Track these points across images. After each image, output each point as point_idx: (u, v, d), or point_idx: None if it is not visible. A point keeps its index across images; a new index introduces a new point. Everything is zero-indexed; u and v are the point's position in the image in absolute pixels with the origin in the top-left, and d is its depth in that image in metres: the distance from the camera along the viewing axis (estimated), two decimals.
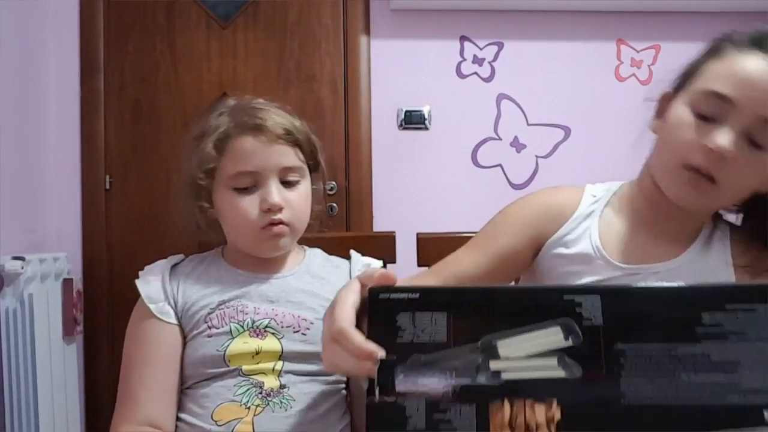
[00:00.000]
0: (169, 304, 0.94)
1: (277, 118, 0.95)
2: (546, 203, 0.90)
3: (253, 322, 0.92)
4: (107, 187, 2.29)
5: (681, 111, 0.78)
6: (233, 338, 0.91)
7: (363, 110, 2.36)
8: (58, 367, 1.94)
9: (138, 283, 0.97)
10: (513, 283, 0.95)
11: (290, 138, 0.95)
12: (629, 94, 2.43)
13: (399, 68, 2.37)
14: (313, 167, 1.02)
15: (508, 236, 0.89)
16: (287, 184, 0.96)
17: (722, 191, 0.75)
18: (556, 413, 0.51)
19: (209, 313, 0.93)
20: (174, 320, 0.94)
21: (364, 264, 1.05)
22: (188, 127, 2.34)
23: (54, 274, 1.96)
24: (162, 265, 1.00)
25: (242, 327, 0.92)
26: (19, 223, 1.98)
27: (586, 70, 2.41)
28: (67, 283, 2.02)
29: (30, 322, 1.80)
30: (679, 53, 2.64)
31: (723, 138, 0.72)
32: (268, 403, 0.89)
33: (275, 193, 0.93)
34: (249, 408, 0.88)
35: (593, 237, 0.84)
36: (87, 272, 2.25)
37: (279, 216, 0.93)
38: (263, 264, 0.99)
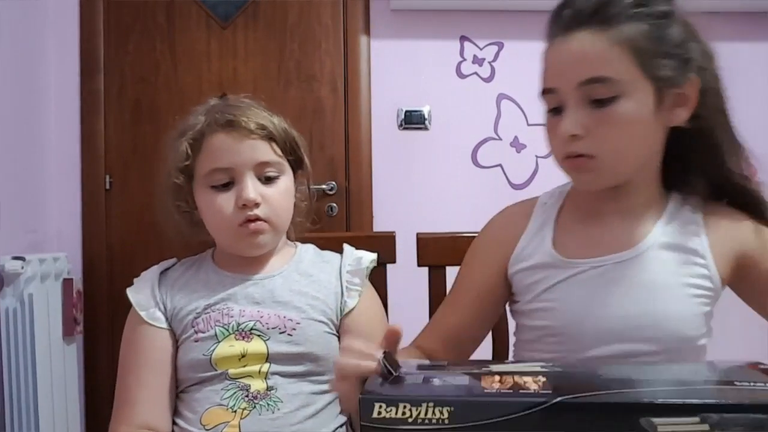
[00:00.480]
0: (159, 309, 0.95)
1: (250, 113, 0.94)
2: (494, 233, 0.95)
3: (239, 324, 0.92)
4: (107, 187, 2.29)
5: (546, 113, 0.83)
6: (219, 342, 0.91)
7: (363, 110, 2.36)
8: (58, 367, 1.94)
9: (129, 291, 0.97)
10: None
11: (264, 132, 0.94)
12: None
13: (399, 68, 2.37)
14: (296, 164, 1.01)
15: (477, 277, 0.93)
16: (266, 180, 0.95)
17: (603, 158, 0.77)
18: None
19: (196, 318, 0.93)
20: (164, 325, 0.94)
21: (356, 258, 1.04)
22: None
23: (54, 274, 1.96)
24: (152, 272, 1.00)
25: (227, 330, 0.92)
26: (19, 223, 1.98)
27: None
28: (67, 283, 2.02)
29: (30, 322, 1.80)
30: None
31: (565, 125, 0.76)
32: (255, 406, 0.88)
33: (250, 188, 0.92)
34: (236, 411, 0.88)
35: (547, 243, 0.87)
36: (87, 272, 2.25)
37: (255, 212, 0.92)
38: (250, 264, 0.98)
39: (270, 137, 0.95)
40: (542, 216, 0.91)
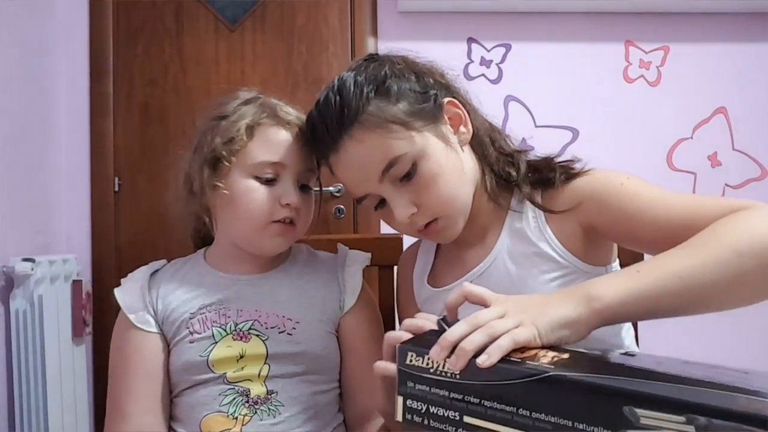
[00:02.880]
0: (149, 312, 0.93)
1: (303, 119, 0.94)
2: (400, 280, 1.04)
3: (236, 324, 0.91)
4: (116, 189, 2.30)
5: (374, 211, 0.90)
6: (216, 343, 0.89)
7: None
8: (67, 368, 1.95)
9: (117, 292, 0.95)
10: None
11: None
12: (638, 95, 2.43)
13: None
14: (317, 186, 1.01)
15: (410, 316, 0.97)
16: (302, 187, 0.94)
17: (445, 213, 0.83)
18: None
19: (190, 318, 0.91)
20: (154, 329, 0.92)
21: (352, 257, 1.04)
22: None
23: (63, 275, 1.97)
24: (141, 272, 0.99)
25: (225, 330, 0.90)
26: (28, 225, 1.99)
27: (594, 72, 2.40)
28: (77, 284, 2.03)
29: (40, 323, 1.81)
30: (688, 54, 2.64)
31: (398, 214, 0.83)
32: (256, 412, 0.87)
33: (295, 192, 0.92)
34: (237, 418, 0.87)
35: (424, 279, 0.96)
36: (96, 274, 2.26)
37: (292, 215, 0.92)
38: (247, 265, 0.97)
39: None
40: (423, 255, 1.00)
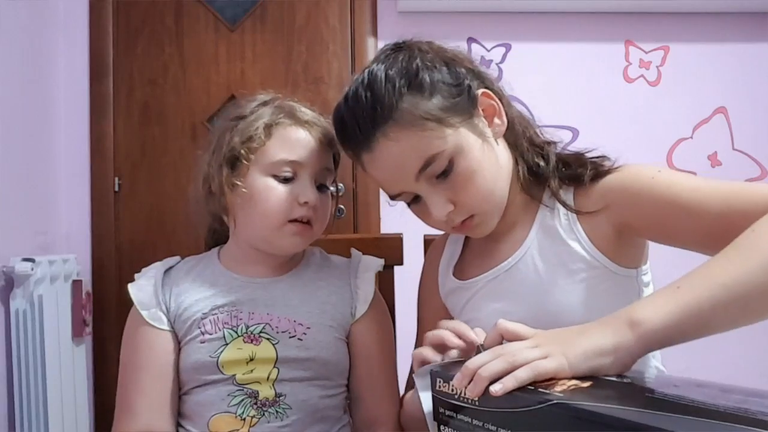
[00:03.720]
0: (161, 309, 0.93)
1: (324, 122, 0.95)
2: (426, 270, 1.03)
3: (247, 327, 0.91)
4: (116, 189, 2.30)
5: (408, 207, 0.90)
6: (227, 344, 0.89)
7: None
8: (67, 368, 1.95)
9: (130, 287, 0.95)
10: None
11: (332, 146, 0.96)
12: (638, 95, 2.43)
13: None
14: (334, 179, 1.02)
15: (434, 315, 0.96)
16: (319, 187, 0.94)
17: (481, 210, 0.82)
18: None
19: (202, 318, 0.91)
20: (166, 326, 0.92)
21: (365, 263, 1.03)
22: (197, 130, 2.36)
23: (63, 275, 1.97)
24: (156, 268, 0.98)
25: (236, 333, 0.90)
26: (29, 225, 1.99)
27: (594, 72, 2.41)
28: (77, 284, 2.03)
29: (40, 323, 1.81)
30: (688, 54, 2.63)
31: (436, 212, 0.81)
32: (264, 414, 0.88)
33: (313, 190, 0.92)
34: (245, 419, 0.87)
35: (451, 272, 0.95)
36: (96, 274, 2.27)
37: (310, 213, 0.92)
38: (260, 267, 0.97)
39: (334, 154, 0.97)
40: (451, 247, 0.98)
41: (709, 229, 0.68)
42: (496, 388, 0.55)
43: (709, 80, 2.45)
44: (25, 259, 1.79)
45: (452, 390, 0.60)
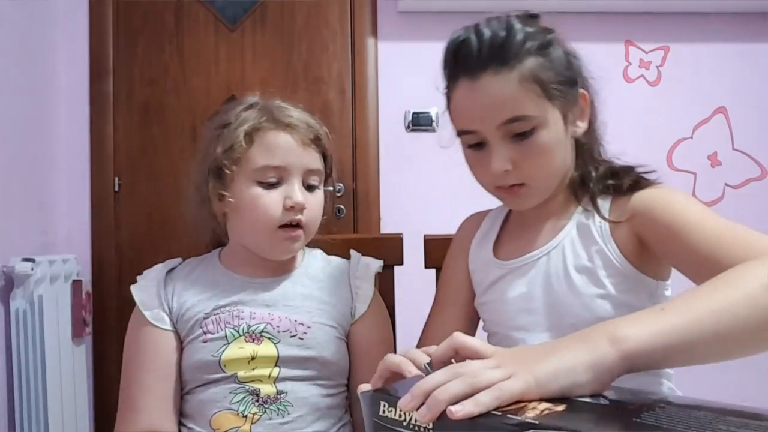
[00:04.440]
0: (164, 310, 0.94)
1: (309, 121, 0.95)
2: (457, 239, 1.05)
3: (249, 327, 0.91)
4: (116, 189, 2.30)
5: (466, 148, 0.90)
6: (228, 344, 0.90)
7: (370, 112, 2.36)
8: (67, 368, 1.95)
9: (133, 288, 0.96)
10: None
11: (318, 145, 0.96)
12: (638, 95, 2.43)
13: (406, 70, 2.37)
14: (327, 177, 1.02)
15: (456, 281, 1.01)
16: (308, 187, 0.95)
17: (533, 184, 0.85)
18: None
19: (204, 318, 0.92)
20: (169, 326, 0.93)
21: (364, 264, 1.04)
22: (197, 130, 2.36)
23: (63, 275, 1.97)
24: (157, 270, 0.99)
25: (238, 332, 0.91)
26: (29, 225, 1.99)
27: (594, 72, 2.40)
28: (77, 284, 2.03)
29: (40, 324, 1.81)
30: (688, 54, 2.63)
31: (495, 163, 0.82)
32: (265, 411, 0.88)
33: (300, 192, 0.92)
34: (246, 416, 0.88)
35: (487, 247, 0.97)
36: (96, 274, 2.27)
37: (299, 216, 0.92)
38: (260, 268, 0.98)
39: (321, 151, 0.97)
40: (489, 223, 1.01)
41: (698, 264, 0.70)
42: (456, 410, 0.49)
43: (709, 80, 2.45)
44: (25, 259, 1.79)
45: (399, 416, 0.52)
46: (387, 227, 2.32)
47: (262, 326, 0.92)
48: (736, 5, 2.39)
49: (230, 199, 0.93)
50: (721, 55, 2.45)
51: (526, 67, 0.80)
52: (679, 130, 2.44)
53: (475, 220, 1.05)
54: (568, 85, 0.85)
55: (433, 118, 2.37)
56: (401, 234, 1.17)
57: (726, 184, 2.44)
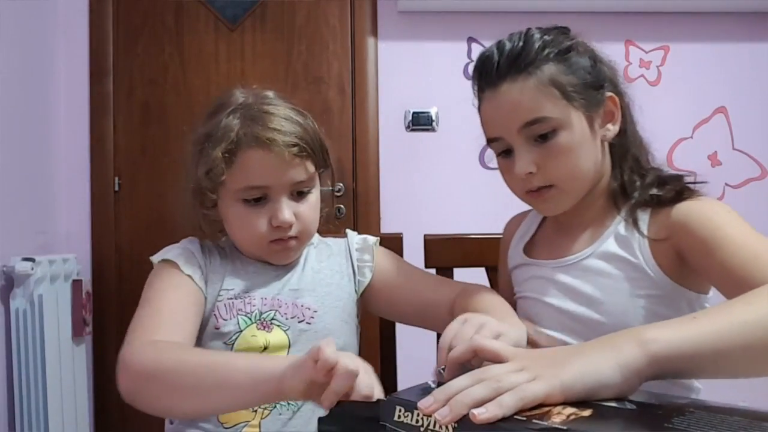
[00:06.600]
0: (200, 268, 0.91)
1: (288, 127, 0.89)
2: (502, 240, 1.08)
3: (261, 314, 0.91)
4: (116, 188, 2.30)
5: (496, 156, 0.91)
6: (241, 331, 0.90)
7: (370, 112, 2.36)
8: (67, 368, 1.95)
9: (158, 255, 0.93)
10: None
11: (303, 152, 0.90)
12: (638, 95, 2.42)
13: (406, 70, 2.37)
14: (323, 170, 0.99)
15: (504, 281, 1.05)
16: (298, 194, 0.92)
17: (559, 185, 0.85)
18: None
19: (218, 302, 0.91)
20: (202, 284, 0.90)
21: (361, 237, 1.04)
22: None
23: (63, 275, 1.97)
24: (190, 241, 0.96)
25: (250, 319, 0.91)
26: (29, 225, 1.99)
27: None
28: (77, 284, 2.03)
29: (40, 323, 1.81)
30: (687, 54, 2.62)
31: (519, 166, 0.84)
32: (275, 405, 0.88)
33: (286, 210, 0.89)
34: (256, 411, 0.87)
35: (522, 247, 0.99)
36: (96, 273, 2.26)
37: (289, 233, 0.91)
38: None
39: (307, 155, 0.91)
40: (527, 225, 1.02)
41: (733, 280, 0.70)
42: (479, 411, 0.48)
43: (709, 80, 2.45)
44: (25, 259, 1.79)
45: (417, 421, 0.51)
46: (387, 227, 2.32)
47: (272, 313, 0.92)
48: (736, 5, 2.39)
49: (215, 219, 0.93)
50: (721, 55, 2.45)
51: (544, 73, 0.83)
52: (679, 129, 2.44)
53: (516, 221, 1.06)
54: (591, 88, 0.86)
55: (433, 118, 2.37)
56: (401, 234, 1.17)
57: (726, 184, 2.44)
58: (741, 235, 0.75)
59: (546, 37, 0.86)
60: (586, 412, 0.49)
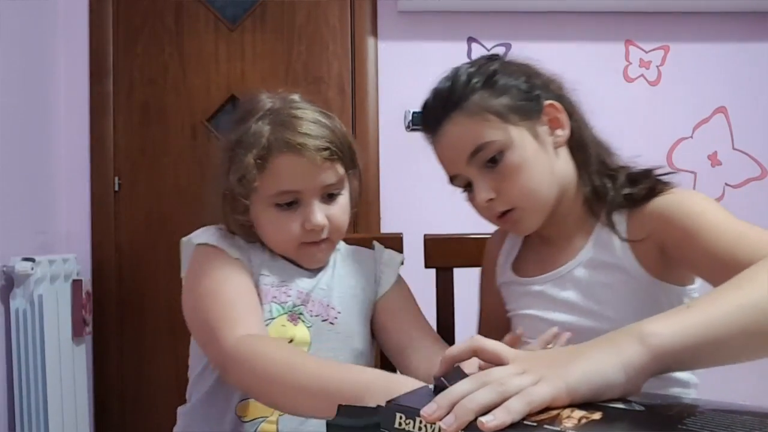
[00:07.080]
0: (245, 254, 0.92)
1: (318, 131, 0.89)
2: (486, 260, 1.08)
3: (294, 305, 0.91)
4: (116, 188, 2.30)
5: (462, 193, 0.94)
6: (273, 319, 0.89)
7: (370, 112, 2.36)
8: (67, 368, 1.95)
9: (189, 238, 0.92)
10: None
11: (333, 155, 0.90)
12: (638, 95, 2.43)
13: (406, 70, 2.37)
14: (352, 171, 0.98)
15: (490, 301, 1.05)
16: (328, 197, 0.93)
17: (521, 205, 0.87)
18: None
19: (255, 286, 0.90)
20: (251, 269, 0.91)
21: (389, 254, 1.05)
22: (197, 130, 2.36)
23: (63, 275, 1.97)
24: (219, 228, 0.95)
25: (283, 308, 0.91)
26: (29, 225, 1.99)
27: (594, 71, 2.40)
28: (77, 284, 2.03)
29: (40, 323, 1.81)
30: (687, 54, 2.63)
31: (478, 195, 0.87)
32: None
33: (318, 214, 0.90)
34: None
35: (509, 265, 1.01)
36: (96, 273, 2.26)
37: (321, 236, 0.92)
38: None
39: (338, 158, 0.91)
40: (511, 241, 1.04)
41: (720, 266, 0.70)
42: (488, 419, 0.46)
43: (709, 80, 2.45)
44: (25, 259, 1.79)
45: (420, 428, 0.49)
46: (387, 227, 2.32)
47: (301, 308, 0.92)
48: (736, 5, 2.39)
49: (248, 223, 0.93)
50: (721, 55, 2.45)
51: (475, 103, 0.86)
52: (679, 129, 2.44)
53: (499, 237, 1.07)
54: (526, 102, 0.87)
55: None
56: (401, 234, 1.17)
57: (726, 184, 2.44)
58: (721, 220, 0.75)
59: (470, 69, 0.89)
60: (596, 415, 0.48)
